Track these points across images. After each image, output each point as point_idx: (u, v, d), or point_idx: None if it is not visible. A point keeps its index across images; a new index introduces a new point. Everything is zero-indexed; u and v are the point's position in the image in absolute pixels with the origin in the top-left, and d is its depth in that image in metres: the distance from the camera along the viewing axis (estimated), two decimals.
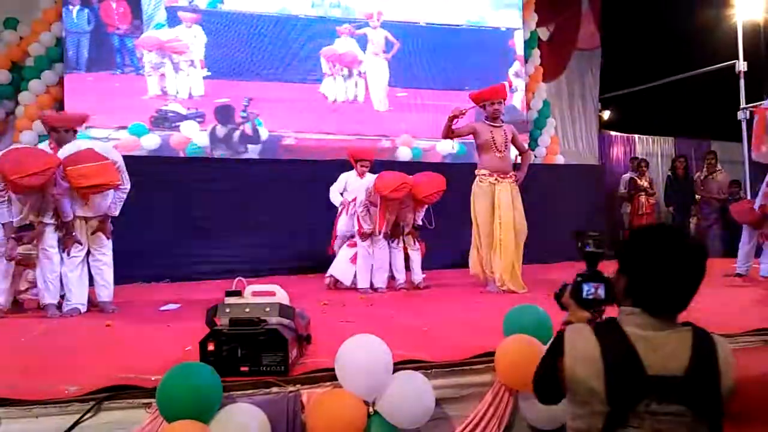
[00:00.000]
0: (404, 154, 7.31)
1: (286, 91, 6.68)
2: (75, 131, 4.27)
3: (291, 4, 6.79)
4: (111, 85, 6.41)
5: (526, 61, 8.75)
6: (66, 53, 6.62)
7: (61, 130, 4.18)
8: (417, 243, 5.21)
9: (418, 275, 5.15)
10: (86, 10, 6.59)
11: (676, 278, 1.43)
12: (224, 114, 6.64)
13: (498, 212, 4.68)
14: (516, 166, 5.06)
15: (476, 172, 4.84)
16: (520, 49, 8.00)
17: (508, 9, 7.96)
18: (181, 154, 6.61)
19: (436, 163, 7.33)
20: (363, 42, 7.16)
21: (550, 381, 1.52)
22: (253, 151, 6.83)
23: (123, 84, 6.43)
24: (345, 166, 5.81)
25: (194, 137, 6.50)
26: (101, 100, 6.38)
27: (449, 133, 4.80)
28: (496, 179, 4.74)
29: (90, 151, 3.96)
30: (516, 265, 4.69)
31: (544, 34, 9.17)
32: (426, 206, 5.12)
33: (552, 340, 1.54)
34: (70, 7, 6.64)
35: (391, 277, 5.13)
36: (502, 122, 4.92)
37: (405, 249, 5.18)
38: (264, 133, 6.67)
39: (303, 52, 6.77)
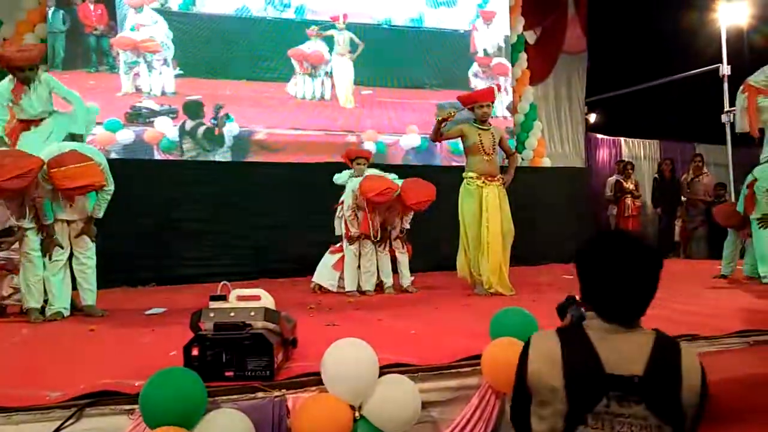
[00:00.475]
0: (369, 148, 7.39)
1: (255, 88, 7.00)
2: (38, 68, 4.21)
3: (257, 6, 7.10)
4: (86, 83, 6.53)
5: (513, 65, 8.81)
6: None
7: (25, 68, 4.11)
8: (405, 246, 5.21)
9: (406, 278, 5.15)
10: (61, 12, 6.77)
11: (626, 287, 1.44)
12: (193, 110, 6.87)
13: (485, 215, 4.68)
14: (504, 169, 5.07)
15: (463, 174, 4.84)
16: (480, 51, 8.30)
17: (467, 12, 8.27)
18: (155, 148, 6.78)
19: (424, 166, 7.38)
20: (330, 43, 7.48)
21: (521, 395, 1.54)
22: (225, 145, 7.02)
23: (98, 82, 6.65)
24: (332, 168, 5.78)
25: (167, 132, 6.73)
26: None
27: (438, 137, 4.83)
28: (483, 182, 4.74)
29: (74, 152, 3.90)
30: (503, 268, 4.69)
31: (531, 37, 9.23)
32: (413, 212, 5.11)
33: (521, 350, 1.56)
34: (46, 8, 6.78)
35: (378, 282, 5.12)
36: (490, 125, 4.93)
37: (392, 252, 5.18)
38: (235, 128, 6.92)
39: (271, 53, 7.08)
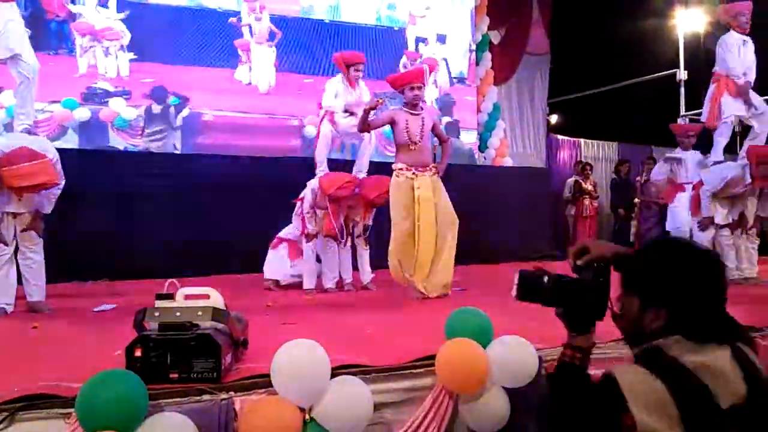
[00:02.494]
0: (310, 132, 7.57)
1: (203, 74, 7.40)
2: None
3: None
4: (45, 64, 6.67)
5: (477, 64, 8.86)
6: None
7: None
8: (367, 243, 5.17)
9: (366, 274, 5.11)
10: None
11: (717, 300, 1.34)
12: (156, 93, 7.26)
13: (417, 209, 4.26)
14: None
15: (393, 166, 4.43)
16: (411, 46, 8.65)
17: (402, 9, 8.65)
18: (109, 126, 6.98)
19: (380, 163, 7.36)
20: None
21: None
22: (176, 127, 7.29)
23: (57, 63, 6.87)
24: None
25: (121, 112, 7.05)
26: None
27: (366, 127, 4.37)
28: (413, 173, 4.34)
29: (26, 149, 3.74)
30: (445, 265, 4.36)
31: (495, 37, 9.29)
32: (374, 208, 5.06)
33: (595, 392, 1.34)
34: None
35: (338, 279, 5.07)
36: (422, 109, 4.49)
37: (353, 248, 5.13)
38: (185, 111, 7.28)
39: (218, 41, 7.56)
